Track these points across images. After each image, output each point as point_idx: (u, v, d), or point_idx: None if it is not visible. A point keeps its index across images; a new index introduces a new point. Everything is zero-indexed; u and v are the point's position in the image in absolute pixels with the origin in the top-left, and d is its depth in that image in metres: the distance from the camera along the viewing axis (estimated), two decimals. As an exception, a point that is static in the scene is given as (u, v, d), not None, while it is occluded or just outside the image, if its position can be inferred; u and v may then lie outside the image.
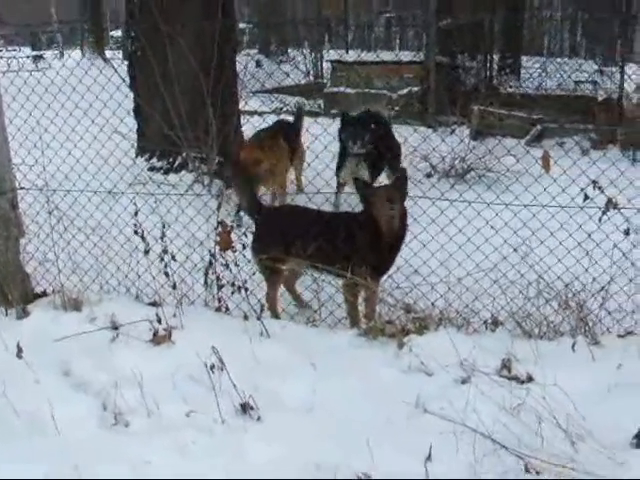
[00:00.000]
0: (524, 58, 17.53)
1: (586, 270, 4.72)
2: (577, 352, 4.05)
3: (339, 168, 7.40)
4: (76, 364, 4.19)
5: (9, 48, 25.79)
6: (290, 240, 4.83)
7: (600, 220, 4.29)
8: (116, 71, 6.44)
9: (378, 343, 4.36)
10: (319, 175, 5.52)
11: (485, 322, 4.59)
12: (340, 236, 4.66)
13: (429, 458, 3.25)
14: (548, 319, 4.43)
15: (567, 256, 4.83)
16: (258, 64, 17.49)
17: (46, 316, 4.82)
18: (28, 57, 24.57)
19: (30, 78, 6.10)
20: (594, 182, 4.27)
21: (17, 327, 4.70)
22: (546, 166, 4.64)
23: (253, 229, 4.75)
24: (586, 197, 4.33)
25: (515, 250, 4.92)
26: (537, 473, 3.13)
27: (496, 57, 16.00)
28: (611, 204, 4.24)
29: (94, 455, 3.44)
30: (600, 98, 12.68)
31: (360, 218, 4.76)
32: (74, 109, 6.11)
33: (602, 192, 4.27)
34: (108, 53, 25.68)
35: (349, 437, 3.45)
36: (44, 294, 5.21)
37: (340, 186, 7.43)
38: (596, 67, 15.59)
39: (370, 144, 7.10)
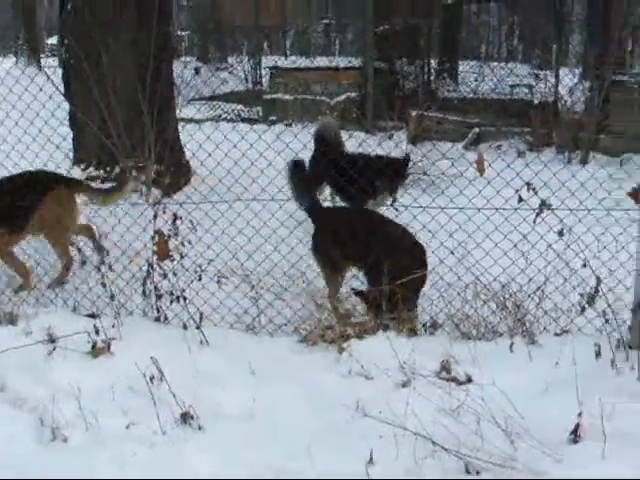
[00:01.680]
0: (461, 63, 17.73)
1: (522, 271, 4.79)
2: (515, 352, 4.11)
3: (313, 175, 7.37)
4: (11, 379, 4.10)
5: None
6: (345, 243, 4.91)
7: (534, 221, 4.35)
8: (50, 79, 6.33)
9: (318, 349, 4.37)
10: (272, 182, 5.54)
11: (424, 325, 4.63)
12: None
13: (370, 461, 3.26)
14: (486, 320, 4.49)
15: (503, 257, 4.88)
16: (197, 71, 17.39)
17: (-20, 330, 4.72)
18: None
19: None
20: (528, 184, 4.33)
21: (-51, 343, 4.59)
22: (480, 169, 4.71)
23: (190, 239, 4.71)
24: (520, 199, 4.38)
25: (452, 253, 4.97)
26: (477, 473, 3.17)
27: (434, 62, 16.16)
28: (545, 205, 4.30)
29: (32, 472, 3.37)
30: (536, 101, 12.90)
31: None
32: (4, 118, 6.00)
33: (536, 194, 4.33)
34: (43, 61, 25.28)
35: (290, 443, 3.45)
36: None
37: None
38: (531, 71, 15.86)
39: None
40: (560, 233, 4.39)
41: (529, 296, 4.54)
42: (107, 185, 6.19)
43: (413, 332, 4.57)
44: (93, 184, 6.10)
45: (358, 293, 4.80)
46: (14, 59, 25.44)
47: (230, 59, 21.77)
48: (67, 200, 5.74)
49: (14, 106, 5.73)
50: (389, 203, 6.51)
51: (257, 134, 5.04)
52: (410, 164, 7.10)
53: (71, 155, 8.39)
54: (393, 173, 6.84)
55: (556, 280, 4.72)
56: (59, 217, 5.65)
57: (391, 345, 4.01)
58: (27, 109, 5.68)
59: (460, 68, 17.34)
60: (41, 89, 5.78)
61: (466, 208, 4.72)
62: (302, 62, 14.79)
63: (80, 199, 5.87)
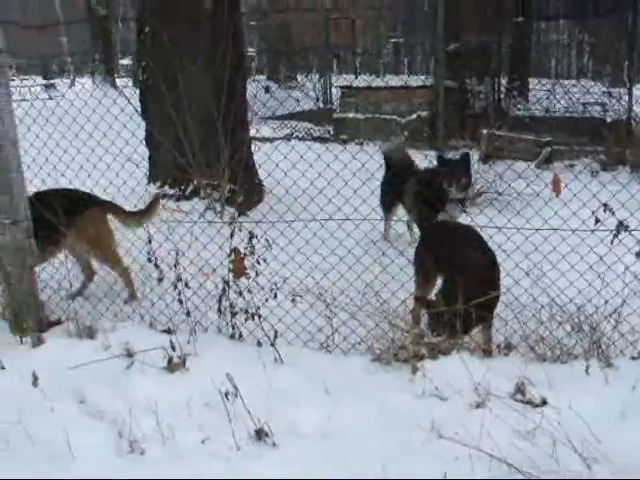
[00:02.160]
0: (532, 81, 17.58)
1: (598, 293, 4.71)
2: (591, 375, 4.04)
3: (386, 195, 7.32)
4: (91, 392, 4.20)
5: (21, 77, 26.05)
6: (438, 255, 4.97)
7: (612, 243, 4.30)
8: (129, 101, 6.49)
9: (392, 368, 4.36)
10: (348, 202, 5.59)
11: (498, 346, 4.59)
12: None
13: (445, 483, 3.25)
14: (561, 342, 4.43)
15: (579, 279, 4.82)
16: (267, 90, 17.60)
17: (61, 344, 4.84)
18: (41, 86, 24.80)
19: (44, 108, 6.16)
20: (605, 205, 4.28)
21: (32, 355, 4.73)
22: (557, 189, 4.66)
23: (265, 257, 4.77)
24: (597, 220, 4.33)
25: (527, 274, 4.93)
26: (554, 497, 3.13)
27: (504, 80, 16.05)
28: (622, 227, 4.24)
29: (111, 484, 3.45)
30: (609, 120, 12.71)
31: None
32: (88, 138, 6.17)
33: (613, 215, 4.28)
34: (118, 81, 25.89)
35: (365, 463, 3.44)
36: (58, 322, 5.22)
37: (388, 214, 7.35)
38: (604, 89, 15.63)
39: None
40: (638, 254, 4.32)
41: (605, 318, 4.45)
42: (136, 209, 6.23)
43: (489, 353, 4.54)
44: (125, 207, 6.14)
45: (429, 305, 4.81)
46: (89, 79, 26.13)
47: (300, 78, 21.97)
48: (102, 219, 5.92)
49: (96, 126, 5.89)
50: (461, 212, 6.49)
51: (332, 153, 5.09)
52: (471, 161, 6.98)
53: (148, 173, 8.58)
54: (457, 173, 6.77)
55: (633, 303, 4.63)
56: (98, 236, 5.83)
57: (465, 366, 3.99)
58: (109, 129, 5.83)
59: (531, 86, 17.20)
60: (122, 109, 5.92)
61: (542, 229, 4.68)
62: (373, 81, 14.80)
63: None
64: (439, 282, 4.98)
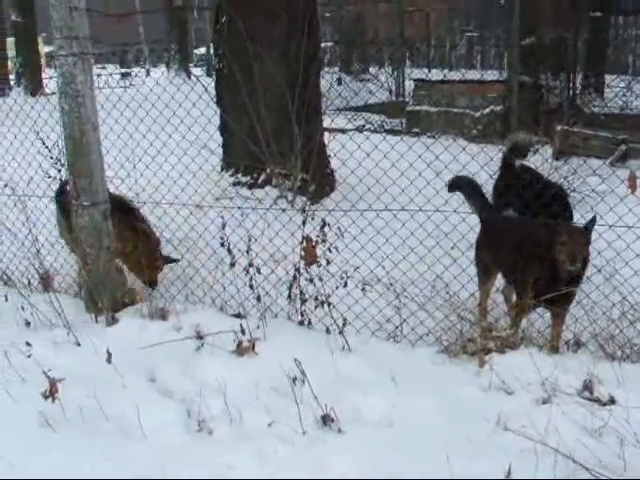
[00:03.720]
0: (608, 77, 17.26)
1: (671, 292, 4.66)
2: (662, 375, 3.99)
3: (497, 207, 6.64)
4: (162, 371, 4.30)
5: (99, 65, 26.57)
6: (496, 249, 4.99)
7: (686, 241, 4.23)
8: (206, 89, 6.58)
9: (459, 361, 4.36)
10: (421, 192, 5.59)
11: (567, 342, 4.55)
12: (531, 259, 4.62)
13: (509, 475, 3.25)
14: (632, 341, 4.38)
15: (652, 278, 4.77)
16: (339, 82, 17.62)
17: (133, 324, 4.97)
18: (118, 74, 25.28)
19: (124, 94, 6.30)
20: (681, 204, 4.22)
21: (106, 333, 4.86)
22: (632, 186, 4.58)
23: (337, 245, 4.81)
24: (672, 220, 4.27)
25: (599, 271, 4.87)
26: (619, 496, 3.11)
27: (579, 76, 15.80)
28: (698, 227, 4.18)
29: (179, 459, 3.54)
30: (687, 118, 12.43)
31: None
32: (166, 124, 6.29)
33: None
34: (193, 70, 26.23)
35: (429, 453, 3.46)
36: (132, 302, 5.35)
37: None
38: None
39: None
40: None
41: (678, 318, 4.39)
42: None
43: (555, 349, 4.51)
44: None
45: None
46: (164, 69, 26.54)
47: (372, 70, 21.95)
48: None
49: (175, 112, 6.00)
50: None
51: (406, 144, 5.10)
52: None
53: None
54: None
55: None
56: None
57: (533, 361, 3.98)
58: (186, 115, 5.92)
59: (607, 82, 16.90)
60: (200, 96, 6.02)
61: (616, 226, 4.62)
62: (446, 74, 14.72)
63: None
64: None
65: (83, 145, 4.98)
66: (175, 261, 6.09)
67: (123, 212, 5.66)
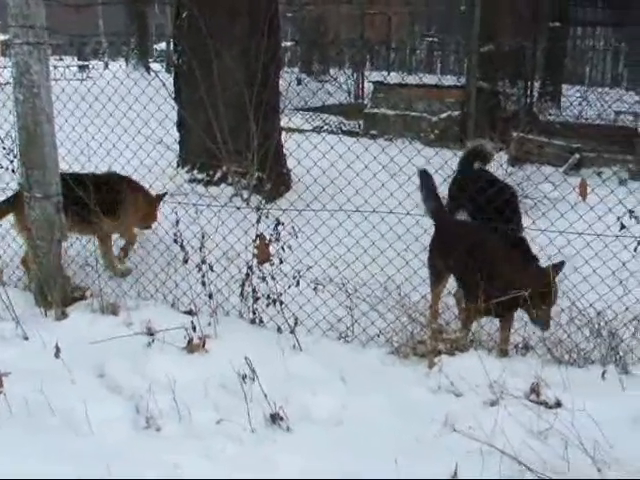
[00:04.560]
0: (565, 86, 17.50)
1: (619, 299, 4.72)
2: (607, 380, 4.06)
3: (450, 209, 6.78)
4: (111, 367, 4.26)
5: (56, 57, 26.25)
6: (448, 253, 4.98)
7: (635, 250, 4.30)
8: (164, 84, 6.54)
9: (409, 362, 4.40)
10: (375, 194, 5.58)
11: (516, 346, 4.61)
12: (486, 268, 4.58)
13: (455, 476, 3.28)
14: (579, 346, 4.44)
15: (600, 284, 4.84)
16: (299, 82, 17.62)
17: (84, 319, 4.92)
18: (75, 66, 25.00)
19: (80, 87, 6.24)
20: (631, 212, 4.28)
21: (55, 328, 4.80)
22: (583, 194, 4.65)
23: (290, 244, 4.81)
24: (622, 226, 4.33)
25: (549, 276, 4.91)
26: (563, 498, 3.15)
27: (537, 84, 16.00)
28: (646, 233, 4.24)
29: (125, 456, 3.50)
30: (640, 129, 12.64)
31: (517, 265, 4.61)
32: (122, 118, 6.23)
33: (638, 222, 4.28)
34: (152, 65, 26.04)
35: (377, 452, 3.49)
36: (82, 297, 5.29)
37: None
38: (637, 98, 15.53)
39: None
40: (660, 263, 4.32)
41: (625, 325, 4.45)
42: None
43: (504, 353, 4.56)
44: None
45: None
46: (123, 62, 26.31)
47: (332, 71, 22.00)
48: None
49: (131, 107, 5.95)
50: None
51: (362, 146, 5.12)
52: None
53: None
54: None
55: (653, 311, 4.63)
56: None
57: (482, 363, 4.02)
58: (143, 110, 5.89)
59: (563, 92, 17.13)
60: (157, 91, 5.98)
61: (566, 232, 4.68)
62: (405, 78, 14.79)
63: None
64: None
65: (37, 136, 4.92)
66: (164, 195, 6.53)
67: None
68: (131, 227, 6.39)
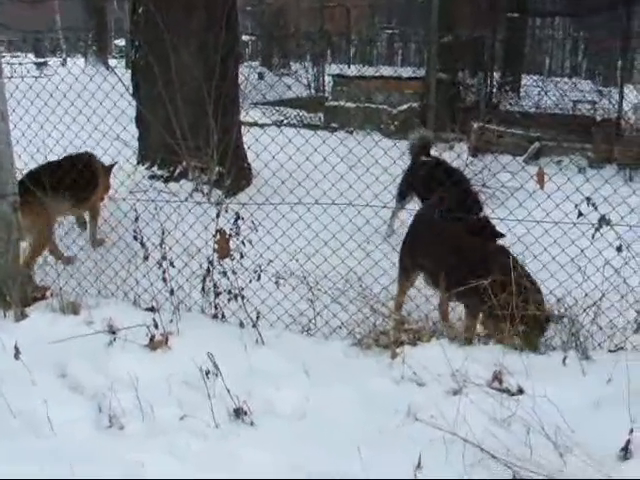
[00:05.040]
0: (524, 76, 17.63)
1: (578, 285, 4.77)
2: (568, 366, 4.09)
3: (402, 193, 7.46)
4: (72, 366, 4.23)
5: (13, 54, 25.89)
6: (421, 252, 5.06)
7: (593, 237, 4.34)
8: (120, 79, 6.47)
9: (372, 353, 4.41)
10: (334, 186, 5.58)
11: (477, 335, 4.64)
12: (463, 270, 4.67)
13: (419, 466, 3.28)
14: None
15: (560, 271, 4.88)
16: (260, 76, 17.57)
17: (44, 319, 4.88)
18: (33, 63, 24.67)
19: (35, 84, 6.16)
20: (588, 199, 4.31)
21: (15, 329, 4.75)
22: (541, 182, 4.68)
23: (250, 239, 4.79)
24: (580, 214, 4.36)
25: (508, 265, 4.93)
26: (525, 483, 3.17)
27: (496, 75, 16.09)
28: (604, 221, 4.28)
29: (89, 456, 3.48)
30: (598, 118, 12.77)
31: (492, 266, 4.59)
32: (78, 115, 6.17)
33: (596, 209, 4.31)
34: (111, 62, 25.79)
35: (341, 444, 3.49)
36: (42, 297, 5.24)
37: (397, 210, 7.40)
38: (595, 87, 15.69)
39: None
40: (619, 249, 4.35)
41: (584, 311, 4.50)
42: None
43: (469, 341, 4.58)
44: None
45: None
46: (82, 59, 26.02)
47: (293, 65, 21.97)
48: None
49: (87, 103, 5.89)
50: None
51: (320, 139, 5.11)
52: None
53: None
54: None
55: (612, 296, 4.68)
56: None
57: (444, 353, 4.04)
58: (99, 107, 5.83)
59: (523, 82, 17.25)
60: (113, 87, 5.92)
61: (525, 220, 4.71)
62: (365, 71, 14.80)
63: None
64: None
65: (-9, 135, 4.86)
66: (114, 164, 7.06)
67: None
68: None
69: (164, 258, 4.76)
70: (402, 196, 7.49)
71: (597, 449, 3.28)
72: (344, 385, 4.03)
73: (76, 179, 6.07)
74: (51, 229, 6.27)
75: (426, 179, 6.57)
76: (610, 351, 4.34)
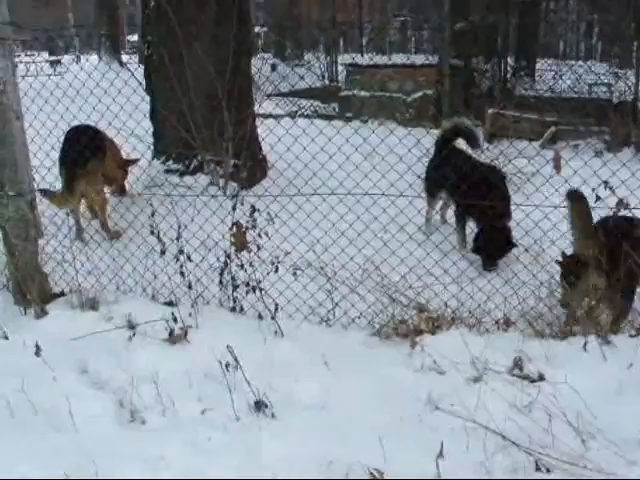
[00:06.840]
0: (539, 60, 17.51)
1: (595, 270, 4.73)
2: (588, 352, 4.06)
3: (431, 192, 6.99)
4: (93, 362, 4.25)
5: (27, 53, 25.98)
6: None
7: (612, 221, 4.31)
8: (133, 75, 6.48)
9: (391, 343, 4.41)
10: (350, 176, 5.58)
11: (497, 322, 4.62)
12: None
13: (441, 455, 3.28)
14: (560, 319, 4.46)
15: (579, 256, 4.84)
16: (273, 68, 17.55)
17: (64, 315, 4.90)
18: (46, 62, 24.73)
19: (49, 82, 6.17)
20: (605, 182, 4.28)
21: (35, 326, 4.78)
22: (557, 167, 4.66)
23: (267, 231, 4.78)
24: (597, 198, 4.34)
25: (527, 250, 4.93)
26: (547, 471, 3.15)
27: (510, 60, 15.99)
28: (622, 204, 4.25)
29: (111, 451, 3.48)
30: (615, 100, 12.66)
31: None
32: (92, 112, 6.19)
33: (613, 192, 4.28)
34: (124, 57, 25.81)
35: (362, 435, 3.48)
36: (62, 294, 5.27)
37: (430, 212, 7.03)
38: (610, 69, 15.56)
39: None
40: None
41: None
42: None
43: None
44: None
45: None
46: (96, 56, 26.05)
47: (306, 56, 21.92)
48: None
49: (100, 100, 5.90)
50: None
51: (335, 129, 5.10)
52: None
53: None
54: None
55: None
56: None
57: (463, 341, 4.03)
58: (112, 103, 5.83)
59: (537, 66, 17.14)
60: (126, 83, 5.92)
61: (543, 205, 4.68)
62: (379, 59, 14.72)
63: None
64: None
65: (6, 134, 4.88)
66: (136, 161, 7.33)
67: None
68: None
69: (181, 252, 4.77)
70: (432, 195, 6.99)
71: (619, 435, 3.27)
72: (364, 375, 4.02)
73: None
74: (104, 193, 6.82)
75: (458, 177, 5.96)
76: (631, 336, 4.30)
